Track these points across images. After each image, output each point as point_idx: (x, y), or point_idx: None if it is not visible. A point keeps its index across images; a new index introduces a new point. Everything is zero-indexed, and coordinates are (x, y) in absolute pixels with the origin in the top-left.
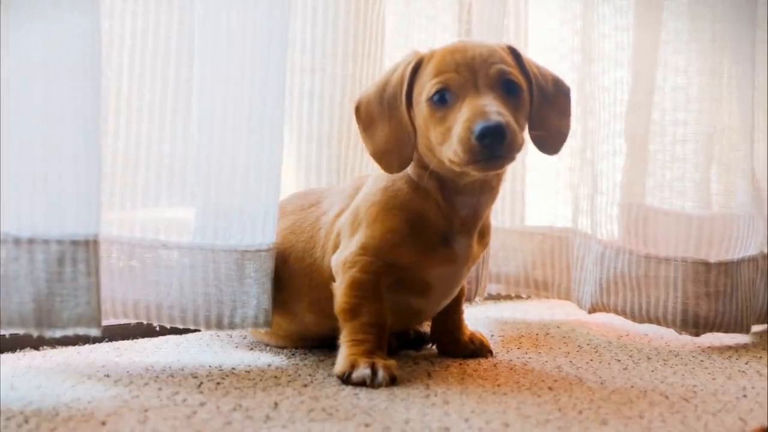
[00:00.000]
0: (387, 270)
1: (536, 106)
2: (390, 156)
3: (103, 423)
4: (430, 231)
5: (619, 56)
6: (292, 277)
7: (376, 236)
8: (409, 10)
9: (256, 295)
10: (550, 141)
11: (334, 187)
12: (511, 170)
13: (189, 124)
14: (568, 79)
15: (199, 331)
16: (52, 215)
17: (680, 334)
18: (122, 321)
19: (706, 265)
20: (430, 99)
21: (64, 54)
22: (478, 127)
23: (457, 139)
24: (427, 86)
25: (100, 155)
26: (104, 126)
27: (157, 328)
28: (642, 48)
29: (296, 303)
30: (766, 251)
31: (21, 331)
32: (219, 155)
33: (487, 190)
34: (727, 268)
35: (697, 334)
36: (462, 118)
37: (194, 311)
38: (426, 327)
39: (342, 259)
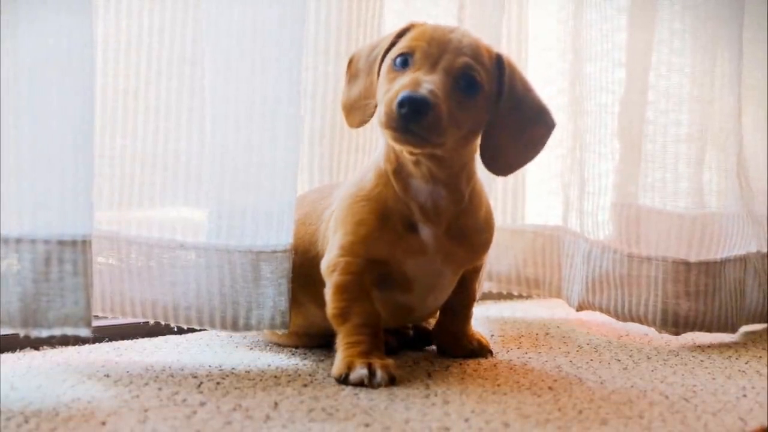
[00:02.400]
0: (368, 267)
1: (499, 121)
2: (355, 111)
3: (103, 423)
4: (395, 217)
5: (615, 56)
6: (300, 267)
7: (348, 232)
8: (409, 8)
9: (272, 296)
10: (499, 162)
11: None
12: None
13: (204, 122)
14: (566, 79)
15: (200, 330)
16: (40, 215)
17: (660, 333)
18: (137, 320)
19: (687, 264)
20: (393, 60)
21: (54, 53)
22: (402, 94)
23: (385, 100)
24: (396, 48)
25: (93, 155)
26: (123, 127)
27: (175, 328)
28: (636, 48)
29: (303, 294)
30: (765, 251)
31: (7, 331)
32: (233, 153)
33: (439, 182)
34: (708, 267)
35: (677, 333)
36: (398, 83)
37: (210, 312)
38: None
39: (327, 264)
